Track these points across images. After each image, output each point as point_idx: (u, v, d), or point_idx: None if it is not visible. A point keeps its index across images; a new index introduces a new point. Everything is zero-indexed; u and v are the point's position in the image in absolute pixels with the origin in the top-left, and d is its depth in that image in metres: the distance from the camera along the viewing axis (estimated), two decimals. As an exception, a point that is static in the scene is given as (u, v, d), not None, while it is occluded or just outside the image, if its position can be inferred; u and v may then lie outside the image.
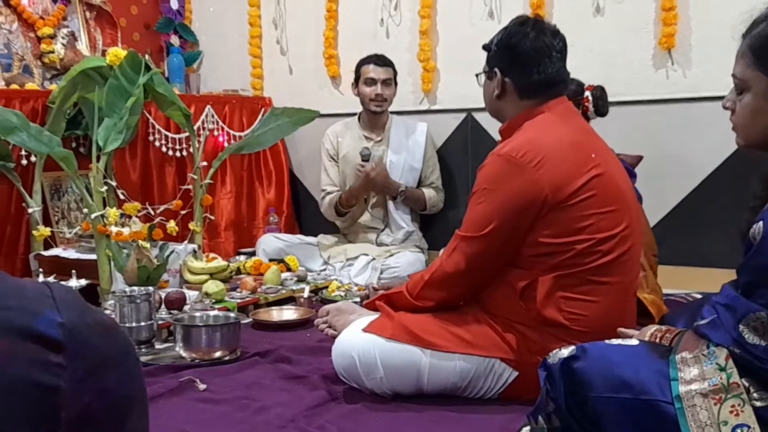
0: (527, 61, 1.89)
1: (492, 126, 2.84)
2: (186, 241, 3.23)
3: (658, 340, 1.42)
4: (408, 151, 3.66)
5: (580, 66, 2.86)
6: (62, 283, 0.64)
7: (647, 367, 1.28)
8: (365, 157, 3.51)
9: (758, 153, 1.37)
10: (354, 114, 3.80)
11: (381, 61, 3.60)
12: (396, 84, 3.66)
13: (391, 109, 3.71)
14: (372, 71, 3.58)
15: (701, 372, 1.25)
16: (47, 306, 0.57)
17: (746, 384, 1.22)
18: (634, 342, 1.41)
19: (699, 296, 2.95)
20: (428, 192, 3.68)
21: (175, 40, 4.56)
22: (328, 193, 3.70)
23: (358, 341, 1.93)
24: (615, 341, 1.42)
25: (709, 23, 3.13)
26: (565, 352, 1.38)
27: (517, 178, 1.78)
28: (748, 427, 1.18)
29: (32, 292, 0.58)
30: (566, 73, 1.95)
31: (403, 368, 1.88)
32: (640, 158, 2.69)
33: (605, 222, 1.79)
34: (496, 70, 1.94)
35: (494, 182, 1.82)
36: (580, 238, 1.77)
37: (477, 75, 2.05)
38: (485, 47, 2.00)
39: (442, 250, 2.03)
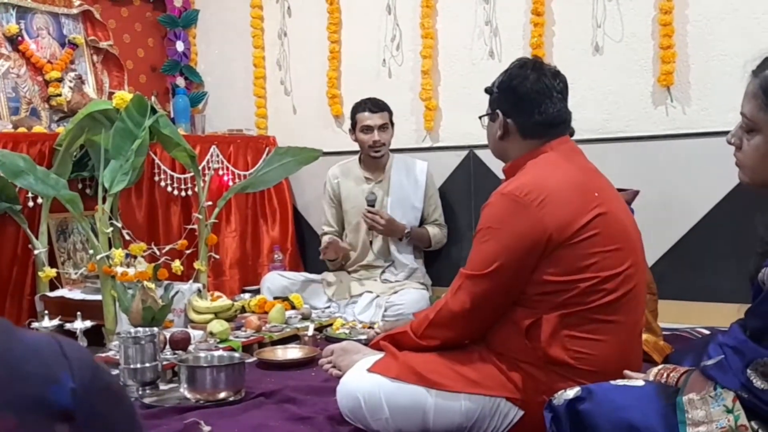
0: (528, 103, 1.91)
1: (494, 162, 2.86)
2: (191, 281, 3.24)
3: (664, 380, 1.40)
4: (409, 191, 3.67)
5: (580, 104, 2.90)
6: (70, 340, 0.64)
7: (654, 410, 1.27)
8: (371, 203, 3.53)
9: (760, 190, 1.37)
10: (357, 152, 3.81)
11: (376, 107, 3.59)
12: (393, 125, 3.65)
13: (393, 146, 3.73)
14: (368, 118, 3.58)
15: (708, 414, 1.24)
16: (63, 368, 0.57)
17: (755, 427, 1.21)
18: (640, 383, 1.39)
19: (704, 331, 2.94)
20: (432, 230, 3.70)
21: (180, 81, 4.63)
22: (325, 233, 3.76)
23: (363, 382, 1.92)
24: (621, 382, 1.41)
25: (708, 60, 3.17)
26: (571, 393, 1.37)
27: (521, 217, 1.78)
28: (757, 469, 1.17)
29: (48, 352, 0.58)
30: (568, 113, 1.97)
31: (408, 409, 1.87)
32: (635, 194, 2.67)
33: (609, 260, 1.78)
34: (499, 111, 1.96)
35: (498, 221, 1.83)
36: (584, 277, 1.77)
37: (480, 117, 2.08)
38: (487, 90, 2.03)
39: (447, 288, 2.03)
